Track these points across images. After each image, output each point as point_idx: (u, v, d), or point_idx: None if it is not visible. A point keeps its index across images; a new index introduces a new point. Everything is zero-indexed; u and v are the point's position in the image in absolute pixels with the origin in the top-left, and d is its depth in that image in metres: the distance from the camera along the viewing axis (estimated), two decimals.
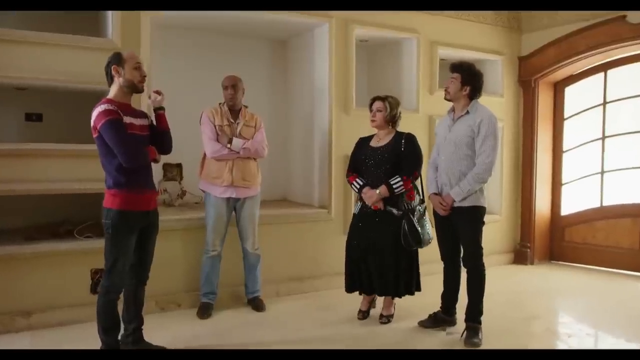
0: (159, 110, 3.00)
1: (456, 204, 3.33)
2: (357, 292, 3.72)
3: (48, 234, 3.70)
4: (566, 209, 5.82)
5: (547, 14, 5.43)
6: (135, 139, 2.75)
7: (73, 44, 3.60)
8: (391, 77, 5.23)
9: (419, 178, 3.59)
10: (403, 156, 3.47)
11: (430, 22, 5.08)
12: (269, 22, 4.50)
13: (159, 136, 2.95)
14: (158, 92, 3.01)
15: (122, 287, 2.83)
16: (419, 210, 3.52)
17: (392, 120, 3.57)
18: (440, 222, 3.48)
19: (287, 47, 5.22)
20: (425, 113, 5.08)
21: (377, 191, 3.41)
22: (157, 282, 3.59)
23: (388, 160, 3.47)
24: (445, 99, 3.45)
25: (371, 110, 3.56)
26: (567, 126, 5.80)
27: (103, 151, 2.74)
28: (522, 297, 4.49)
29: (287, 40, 5.18)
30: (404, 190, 3.44)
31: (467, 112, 3.35)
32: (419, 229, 3.42)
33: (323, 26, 4.61)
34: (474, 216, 3.34)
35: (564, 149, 5.80)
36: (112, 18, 3.72)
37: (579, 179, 5.74)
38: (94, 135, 2.73)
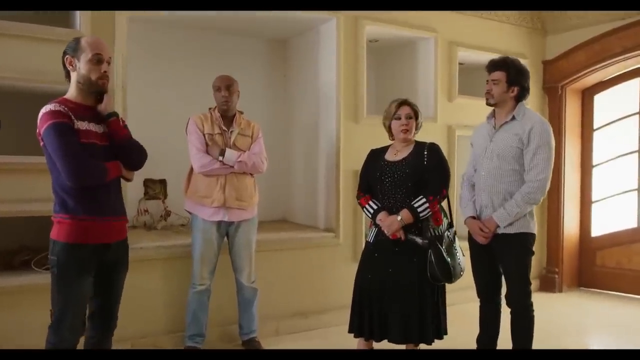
0: (110, 118, 2.27)
1: (500, 230, 2.75)
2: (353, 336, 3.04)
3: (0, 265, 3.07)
4: (597, 230, 5.25)
5: (576, 13, 4.90)
6: (89, 151, 2.14)
7: (33, 35, 3.00)
8: (404, 82, 4.67)
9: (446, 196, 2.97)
10: (427, 171, 2.84)
11: (448, 20, 4.54)
12: (267, 19, 3.94)
13: (119, 150, 2.30)
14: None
15: (75, 343, 2.18)
16: (448, 236, 2.88)
17: (417, 128, 2.96)
18: (478, 252, 2.88)
19: (288, 47, 4.65)
20: (444, 122, 4.53)
21: (398, 217, 2.77)
22: (133, 322, 3.09)
23: (410, 178, 2.83)
24: (488, 104, 2.86)
25: (398, 117, 2.92)
26: (597, 138, 5.25)
27: (49, 165, 2.14)
28: (560, 336, 3.85)
29: (287, 40, 4.62)
30: (430, 213, 2.81)
31: (513, 118, 2.77)
32: (449, 260, 2.78)
33: (329, 22, 4.05)
34: (522, 245, 2.75)
35: (594, 163, 5.25)
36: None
37: (611, 196, 5.18)
38: (41, 144, 2.14)
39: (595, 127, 5.24)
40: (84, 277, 2.16)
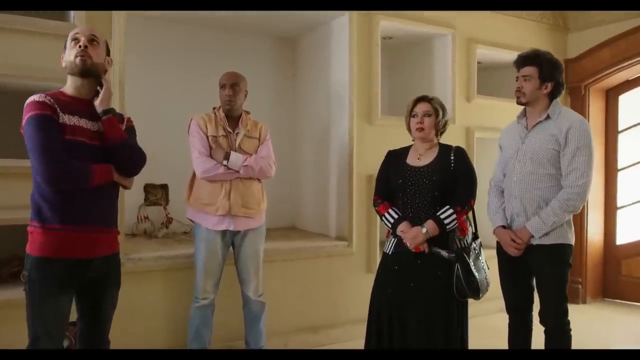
0: (104, 116, 2.01)
1: (534, 241, 2.49)
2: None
3: None
4: (623, 238, 4.98)
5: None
6: (75, 149, 1.89)
7: (21, 28, 2.77)
8: (420, 82, 4.43)
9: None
10: (454, 178, 2.58)
11: (466, 15, 4.30)
12: (274, 15, 3.73)
13: (112, 152, 2.03)
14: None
15: None
16: (474, 248, 2.61)
17: (442, 128, 2.71)
18: (509, 265, 2.63)
19: (297, 45, 4.43)
20: (462, 124, 4.29)
21: (424, 229, 2.51)
22: (132, 338, 2.90)
23: (436, 185, 2.56)
24: (519, 103, 2.61)
25: (414, 115, 2.67)
26: (622, 140, 4.99)
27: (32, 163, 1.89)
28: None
29: (296, 37, 4.40)
30: (456, 224, 2.55)
31: (548, 117, 2.51)
32: (477, 274, 2.52)
33: (341, 18, 3.83)
34: (558, 257, 2.49)
35: (619, 167, 4.99)
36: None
37: (638, 202, 4.91)
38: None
39: (620, 128, 4.99)
40: (60, 297, 1.90)
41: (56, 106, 1.86)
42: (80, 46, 1.93)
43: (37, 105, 1.83)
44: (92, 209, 1.96)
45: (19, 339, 2.68)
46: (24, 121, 1.85)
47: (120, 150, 2.02)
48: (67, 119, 1.88)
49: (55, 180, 1.83)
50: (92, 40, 1.97)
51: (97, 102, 2.01)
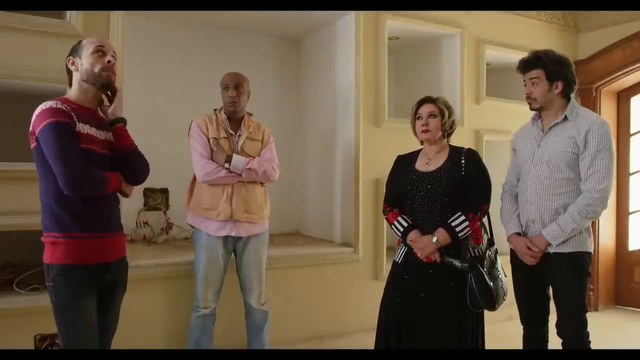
0: (115, 124, 2.06)
1: (551, 249, 2.37)
2: None
3: None
4: (635, 244, 4.85)
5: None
6: (88, 158, 1.90)
7: (16, 26, 2.67)
8: (427, 83, 4.33)
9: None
10: (465, 183, 2.45)
11: (475, 15, 4.20)
12: (278, 14, 3.64)
13: (121, 160, 2.07)
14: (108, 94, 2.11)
15: None
16: (489, 256, 2.48)
17: (449, 129, 2.58)
18: (523, 273, 2.51)
19: (301, 46, 4.35)
20: (471, 127, 4.18)
21: (434, 238, 2.38)
22: (130, 348, 2.75)
23: (445, 191, 2.43)
24: (533, 108, 2.50)
25: (418, 117, 2.55)
26: (634, 143, 4.86)
27: (42, 171, 1.90)
28: None
29: (300, 37, 4.31)
30: (469, 232, 2.42)
31: (565, 118, 2.39)
32: (491, 283, 2.39)
33: (347, 18, 3.75)
34: (577, 266, 2.37)
35: (631, 171, 4.86)
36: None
37: None
38: (32, 146, 1.90)
39: (632, 131, 4.87)
40: (86, 300, 1.92)
41: (72, 114, 1.88)
42: (109, 61, 1.98)
43: (56, 112, 1.84)
44: (105, 215, 2.00)
45: (12, 347, 2.61)
46: (39, 126, 1.84)
47: (130, 158, 2.08)
48: (81, 127, 1.90)
49: (78, 186, 1.84)
50: (114, 55, 2.03)
51: (110, 109, 2.05)
